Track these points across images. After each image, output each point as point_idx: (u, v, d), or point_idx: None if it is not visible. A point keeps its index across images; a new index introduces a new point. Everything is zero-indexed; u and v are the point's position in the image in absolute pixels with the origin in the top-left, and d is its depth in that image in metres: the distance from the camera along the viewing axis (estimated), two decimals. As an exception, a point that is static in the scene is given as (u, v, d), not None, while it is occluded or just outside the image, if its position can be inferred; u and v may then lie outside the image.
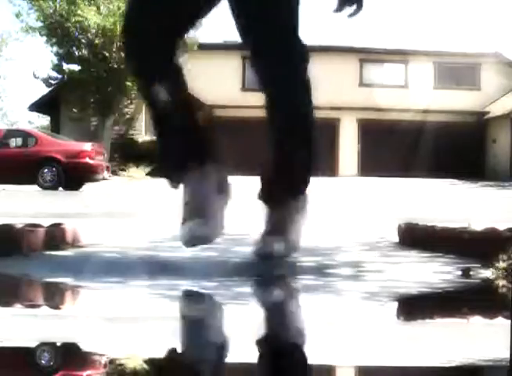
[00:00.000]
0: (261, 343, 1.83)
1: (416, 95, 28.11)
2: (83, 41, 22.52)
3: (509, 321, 2.06)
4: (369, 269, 3.05)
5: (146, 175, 19.39)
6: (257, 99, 2.99)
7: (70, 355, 1.73)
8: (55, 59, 23.19)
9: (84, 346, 1.79)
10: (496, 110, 28.24)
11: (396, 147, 26.92)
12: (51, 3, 22.37)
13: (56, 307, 2.49)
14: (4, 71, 58.97)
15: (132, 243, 3.77)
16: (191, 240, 2.83)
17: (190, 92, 2.92)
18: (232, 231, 3.30)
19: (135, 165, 20.22)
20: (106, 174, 17.24)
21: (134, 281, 2.83)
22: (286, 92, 2.88)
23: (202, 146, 2.87)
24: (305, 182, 3.01)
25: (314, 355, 1.69)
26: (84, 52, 22.72)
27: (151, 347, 1.76)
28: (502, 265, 2.90)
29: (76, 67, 23.03)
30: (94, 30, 21.89)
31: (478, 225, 3.58)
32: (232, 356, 1.71)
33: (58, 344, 1.83)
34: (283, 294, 2.83)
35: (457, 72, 29.66)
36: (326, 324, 2.10)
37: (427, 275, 3.01)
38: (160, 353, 1.70)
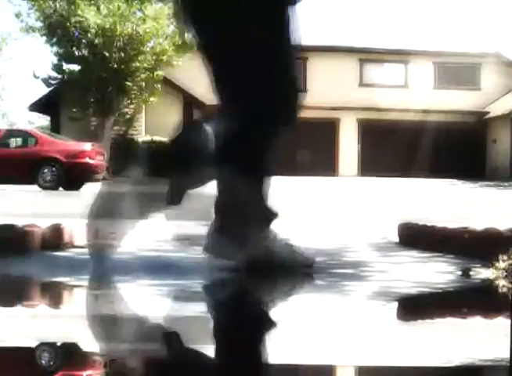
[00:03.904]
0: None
1: (416, 95, 28.10)
2: (83, 41, 22.50)
3: (509, 321, 2.06)
4: (369, 269, 3.05)
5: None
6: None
7: (70, 355, 1.73)
8: (55, 59, 23.19)
9: (85, 346, 1.79)
10: (496, 110, 28.23)
11: (396, 147, 26.90)
12: (51, 3, 22.35)
13: (54, 307, 2.49)
14: (4, 71, 58.99)
15: (131, 243, 3.76)
16: None
17: None
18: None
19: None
20: (106, 174, 17.25)
21: (137, 281, 2.83)
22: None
23: None
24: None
25: (316, 353, 1.69)
26: (84, 52, 22.70)
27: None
28: (502, 265, 2.90)
29: (76, 67, 23.02)
30: (94, 30, 21.86)
31: (478, 225, 3.58)
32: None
33: (58, 344, 1.83)
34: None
35: (457, 72, 29.65)
36: (328, 322, 2.10)
37: (426, 275, 3.01)
38: (160, 353, 1.70)
